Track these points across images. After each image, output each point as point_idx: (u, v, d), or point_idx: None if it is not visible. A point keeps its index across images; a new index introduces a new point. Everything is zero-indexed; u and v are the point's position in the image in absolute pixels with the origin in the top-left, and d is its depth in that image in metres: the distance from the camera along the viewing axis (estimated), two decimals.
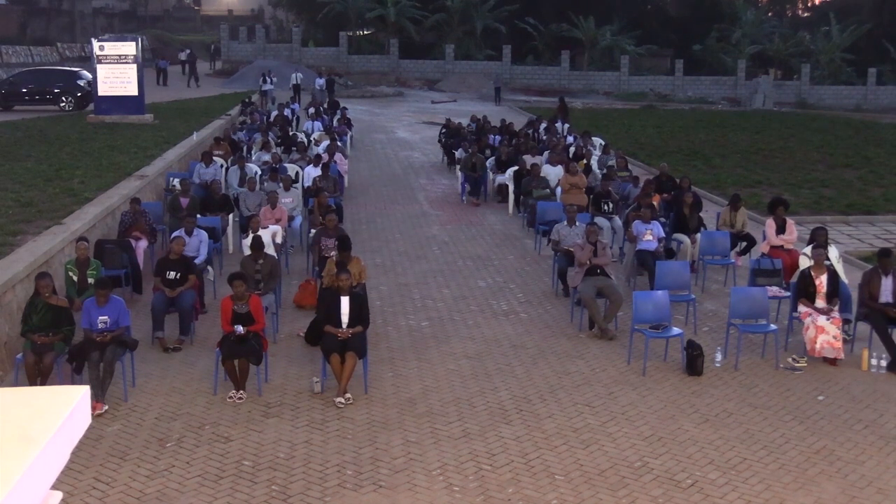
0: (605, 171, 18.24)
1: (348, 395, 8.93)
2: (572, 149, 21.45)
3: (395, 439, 8.15)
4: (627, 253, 13.59)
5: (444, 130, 26.14)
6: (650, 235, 12.81)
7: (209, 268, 12.72)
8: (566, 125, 26.77)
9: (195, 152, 20.17)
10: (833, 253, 11.66)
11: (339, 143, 21.78)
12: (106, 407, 8.63)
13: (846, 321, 10.69)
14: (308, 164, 18.68)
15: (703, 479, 7.48)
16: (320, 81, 41.38)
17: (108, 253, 11.90)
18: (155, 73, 44.18)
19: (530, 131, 25.89)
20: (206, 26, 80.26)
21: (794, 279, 11.18)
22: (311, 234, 13.82)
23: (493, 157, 20.33)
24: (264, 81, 38.59)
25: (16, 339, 9.50)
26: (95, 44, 26.24)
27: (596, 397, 9.19)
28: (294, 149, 20.91)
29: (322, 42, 57.50)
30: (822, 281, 10.61)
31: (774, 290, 11.47)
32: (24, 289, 10.02)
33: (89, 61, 30.62)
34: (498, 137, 23.44)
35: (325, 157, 18.78)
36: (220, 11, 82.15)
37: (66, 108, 30.65)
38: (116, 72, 25.66)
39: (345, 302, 9.45)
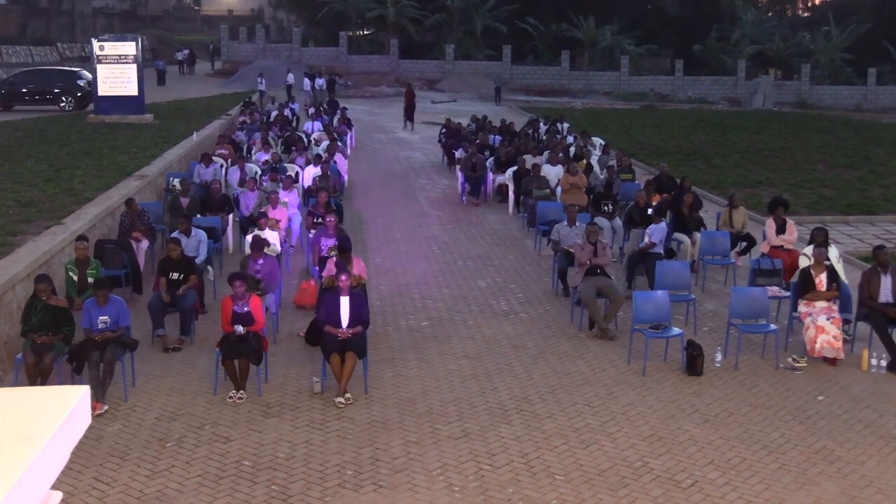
0: (605, 171, 18.25)
1: (348, 395, 8.94)
2: (572, 149, 21.45)
3: (395, 439, 8.15)
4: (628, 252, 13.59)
5: (444, 130, 26.13)
6: (646, 238, 12.81)
7: (209, 268, 12.71)
8: (565, 125, 26.71)
9: (195, 152, 20.17)
10: (833, 253, 11.66)
11: (339, 143, 21.78)
12: (106, 407, 8.63)
13: (846, 321, 10.69)
14: (307, 163, 18.68)
15: (703, 479, 7.48)
16: (320, 81, 41.40)
17: (108, 253, 11.90)
18: (155, 74, 44.25)
19: (530, 131, 25.91)
20: (206, 26, 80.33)
21: (795, 279, 11.19)
22: (311, 235, 13.82)
23: (492, 158, 20.33)
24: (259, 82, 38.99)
25: (16, 339, 9.50)
26: (95, 44, 26.27)
27: (596, 397, 9.19)
28: (294, 149, 20.91)
29: (322, 42, 57.51)
30: (821, 279, 10.62)
31: (774, 290, 11.47)
32: (24, 289, 10.02)
33: (89, 61, 30.63)
34: (498, 137, 23.44)
35: (326, 156, 18.78)
36: (220, 11, 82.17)
37: (66, 108, 30.65)
38: (116, 72, 25.69)
39: (345, 302, 9.45)
